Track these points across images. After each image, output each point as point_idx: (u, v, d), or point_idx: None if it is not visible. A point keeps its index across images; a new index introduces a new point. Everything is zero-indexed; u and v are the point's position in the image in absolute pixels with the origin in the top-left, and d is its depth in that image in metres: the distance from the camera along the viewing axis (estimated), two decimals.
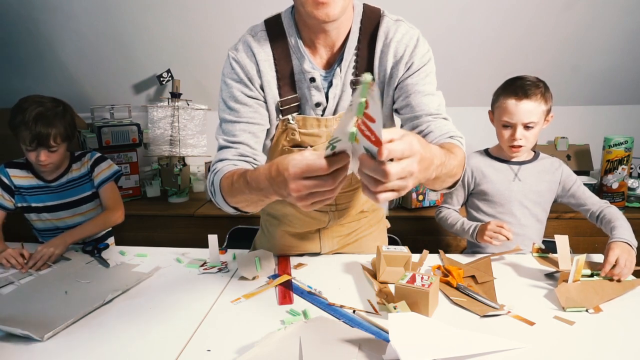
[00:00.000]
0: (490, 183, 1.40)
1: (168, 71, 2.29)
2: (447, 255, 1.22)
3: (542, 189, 1.39)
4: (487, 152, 1.47)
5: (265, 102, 1.01)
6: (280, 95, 1.01)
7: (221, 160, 0.95)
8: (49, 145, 1.36)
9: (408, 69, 0.97)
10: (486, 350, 0.76)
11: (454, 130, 0.94)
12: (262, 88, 1.00)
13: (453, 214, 1.43)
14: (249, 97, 0.99)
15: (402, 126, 1.01)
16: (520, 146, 1.34)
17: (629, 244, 1.11)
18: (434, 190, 0.96)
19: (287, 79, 1.01)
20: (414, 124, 0.97)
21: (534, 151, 1.45)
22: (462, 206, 1.50)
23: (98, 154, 1.57)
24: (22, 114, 1.33)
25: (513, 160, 1.41)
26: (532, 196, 1.39)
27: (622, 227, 1.20)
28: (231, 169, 0.89)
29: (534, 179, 1.39)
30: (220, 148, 0.99)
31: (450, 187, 0.90)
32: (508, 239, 1.21)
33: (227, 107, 1.00)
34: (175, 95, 2.29)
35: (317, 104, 1.02)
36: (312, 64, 1.00)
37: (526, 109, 1.30)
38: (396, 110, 1.02)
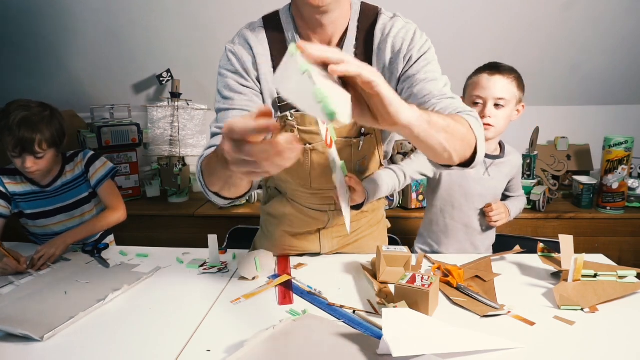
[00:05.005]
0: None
1: (168, 71, 2.29)
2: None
3: (502, 188, 1.40)
4: None
5: (262, 94, 1.01)
6: (278, 92, 1.01)
7: (209, 147, 0.93)
8: (33, 152, 1.30)
9: (407, 62, 0.97)
10: (481, 348, 0.76)
11: (462, 107, 0.89)
12: (258, 80, 1.00)
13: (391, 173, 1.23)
14: (244, 86, 0.99)
15: None
16: (489, 125, 1.27)
17: (508, 211, 1.38)
18: (448, 166, 0.87)
19: None
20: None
21: (500, 145, 1.40)
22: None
23: (91, 153, 1.53)
24: (6, 118, 1.29)
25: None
26: (493, 195, 1.38)
27: (514, 204, 1.41)
28: None
29: (503, 176, 1.37)
30: (212, 136, 0.97)
31: (465, 165, 0.85)
32: None
33: (222, 97, 1.00)
34: (175, 95, 2.29)
35: None
36: None
37: (498, 84, 1.28)
38: None
